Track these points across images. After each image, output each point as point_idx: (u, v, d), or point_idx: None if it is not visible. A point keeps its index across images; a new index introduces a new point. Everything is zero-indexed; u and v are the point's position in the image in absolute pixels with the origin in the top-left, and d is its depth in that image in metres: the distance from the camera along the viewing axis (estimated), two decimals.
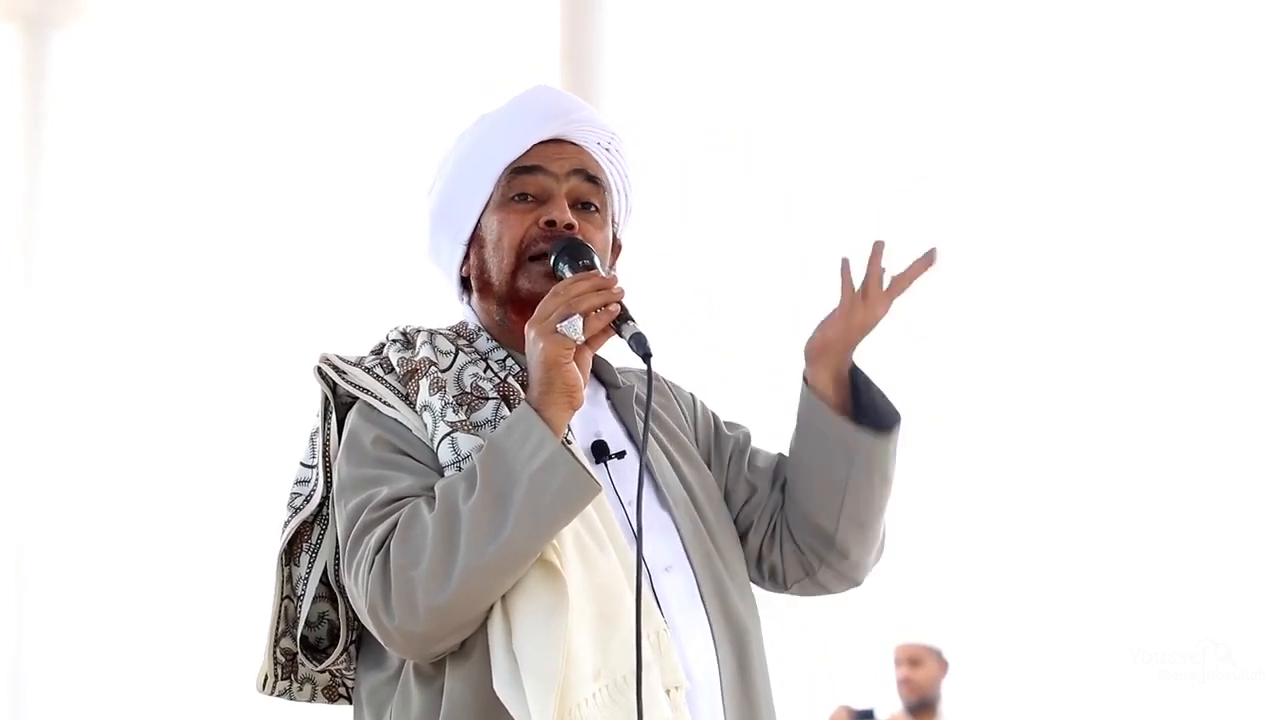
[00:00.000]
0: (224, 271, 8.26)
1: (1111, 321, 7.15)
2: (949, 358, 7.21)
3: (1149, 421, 7.09)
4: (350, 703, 2.26)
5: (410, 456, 2.12)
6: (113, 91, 8.55)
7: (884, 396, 2.28)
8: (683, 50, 7.60)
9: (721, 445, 2.39)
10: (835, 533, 2.28)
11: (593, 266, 2.16)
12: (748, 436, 2.42)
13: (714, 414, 2.44)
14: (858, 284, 2.22)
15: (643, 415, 2.21)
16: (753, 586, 2.32)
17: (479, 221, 2.26)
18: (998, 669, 7.08)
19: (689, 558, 2.21)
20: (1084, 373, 7.18)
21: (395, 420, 2.15)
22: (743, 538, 2.33)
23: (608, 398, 2.29)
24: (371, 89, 8.01)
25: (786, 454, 2.35)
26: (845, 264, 2.23)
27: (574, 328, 2.06)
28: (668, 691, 2.06)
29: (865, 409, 2.29)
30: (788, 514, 2.32)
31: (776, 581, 2.35)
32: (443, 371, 2.18)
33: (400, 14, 8.07)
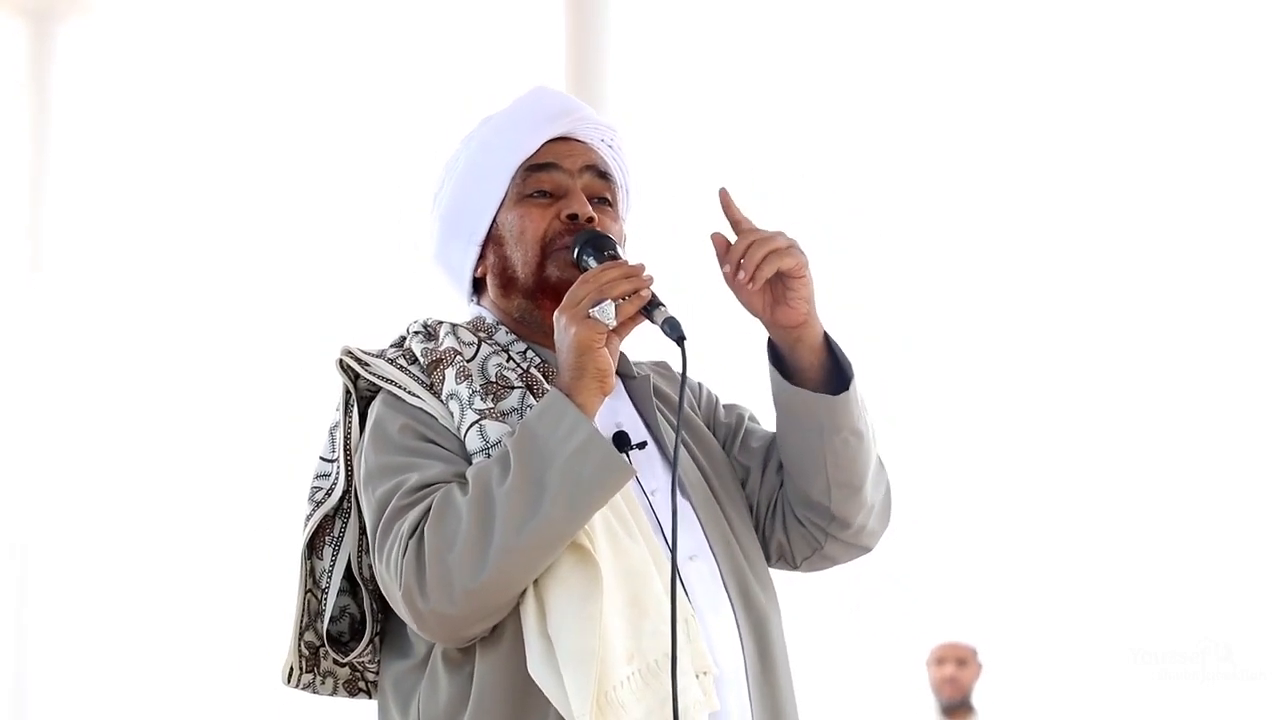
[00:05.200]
0: (229, 265, 8.25)
1: (1111, 323, 7.15)
2: (948, 359, 7.21)
3: (1149, 422, 7.09)
4: (370, 697, 2.28)
5: (438, 444, 2.14)
6: (118, 84, 8.54)
7: (844, 357, 2.28)
8: (688, 52, 7.60)
9: (718, 430, 2.41)
10: (830, 503, 2.29)
11: (617, 257, 2.21)
12: (742, 417, 2.43)
13: (716, 396, 2.46)
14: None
15: (660, 404, 2.29)
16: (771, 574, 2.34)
17: (494, 220, 2.28)
18: (996, 668, 7.08)
19: (711, 547, 2.24)
20: (1084, 373, 7.17)
21: (421, 409, 2.16)
22: None
23: (624, 388, 2.31)
24: (374, 87, 7.99)
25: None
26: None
27: (606, 313, 2.08)
28: (697, 676, 2.09)
29: (841, 373, 2.29)
30: (787, 492, 2.34)
31: (786, 560, 2.37)
32: (468, 361, 2.19)
33: (406, 9, 8.07)
